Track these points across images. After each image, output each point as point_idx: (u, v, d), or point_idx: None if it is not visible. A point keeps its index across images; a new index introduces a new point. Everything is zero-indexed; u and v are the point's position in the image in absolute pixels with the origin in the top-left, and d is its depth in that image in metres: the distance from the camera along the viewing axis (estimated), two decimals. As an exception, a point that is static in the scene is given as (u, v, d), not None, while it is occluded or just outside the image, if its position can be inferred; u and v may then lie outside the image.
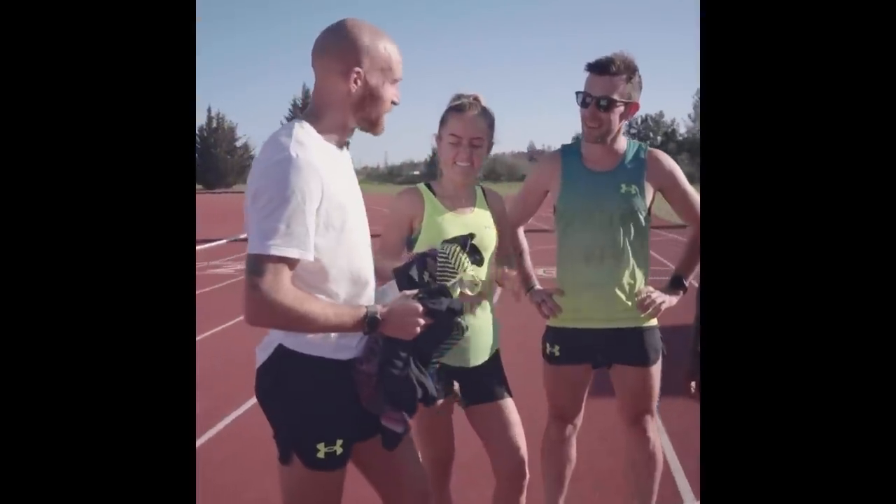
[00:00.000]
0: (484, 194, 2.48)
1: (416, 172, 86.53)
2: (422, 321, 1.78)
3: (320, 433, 1.76)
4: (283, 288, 1.62)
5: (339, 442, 1.77)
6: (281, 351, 1.76)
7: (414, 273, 1.89)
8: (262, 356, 1.81)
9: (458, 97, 2.35)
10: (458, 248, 1.95)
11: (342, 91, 1.76)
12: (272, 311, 1.62)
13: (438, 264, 1.92)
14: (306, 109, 1.83)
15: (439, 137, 2.37)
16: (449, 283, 1.90)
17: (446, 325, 1.85)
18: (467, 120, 2.29)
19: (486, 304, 2.38)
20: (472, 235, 1.97)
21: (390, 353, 1.79)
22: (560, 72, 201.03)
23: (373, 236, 1.95)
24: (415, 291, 1.85)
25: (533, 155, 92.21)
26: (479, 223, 2.37)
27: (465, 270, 1.95)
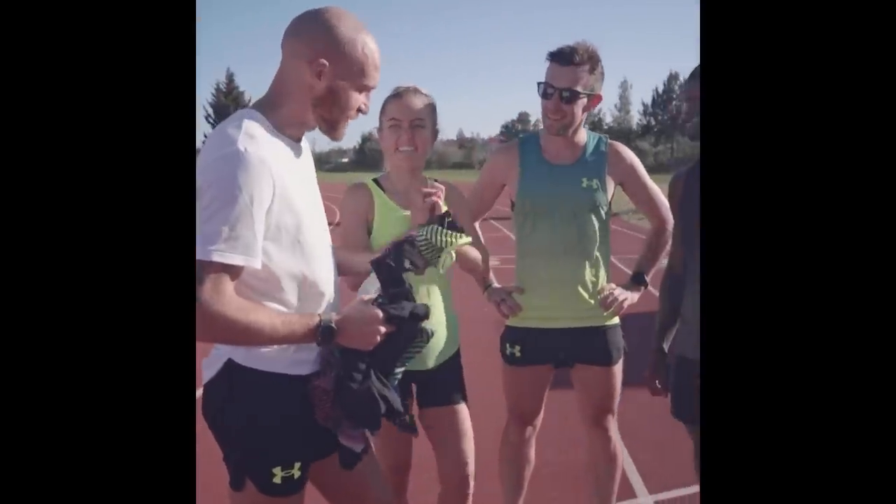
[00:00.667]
0: None
1: (345, 160, 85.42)
2: (382, 329, 1.62)
3: (276, 456, 1.59)
4: (225, 298, 1.45)
5: (297, 465, 1.61)
6: (230, 366, 1.59)
7: (392, 261, 1.73)
8: (209, 371, 1.63)
9: (396, 88, 2.23)
10: (438, 228, 1.80)
11: (304, 82, 1.58)
12: (213, 325, 1.44)
13: (421, 247, 1.77)
14: (263, 96, 1.64)
15: (380, 129, 2.24)
16: (439, 259, 1.77)
17: (409, 331, 1.70)
18: (405, 102, 2.18)
19: (446, 303, 2.26)
20: (447, 213, 1.83)
21: (348, 365, 1.63)
22: (488, 56, 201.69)
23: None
24: (373, 296, 1.69)
25: (462, 143, 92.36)
26: None
27: (452, 244, 1.80)
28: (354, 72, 1.59)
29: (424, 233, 1.79)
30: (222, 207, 1.43)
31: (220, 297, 1.44)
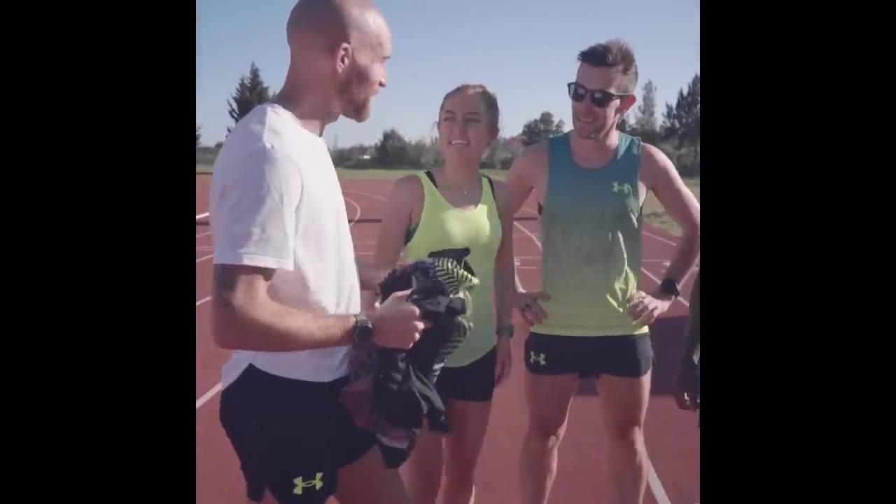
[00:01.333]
0: (492, 187, 2.29)
1: (367, 157, 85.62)
2: (420, 325, 1.56)
3: (297, 466, 1.54)
4: (259, 303, 1.38)
5: (319, 475, 1.56)
6: (252, 372, 1.54)
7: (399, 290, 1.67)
8: (229, 377, 1.57)
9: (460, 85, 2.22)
10: (454, 263, 1.74)
11: (325, 70, 1.54)
12: (246, 331, 1.38)
13: (440, 276, 1.70)
14: (279, 92, 1.59)
15: (438, 123, 2.22)
16: (457, 291, 1.71)
17: (447, 327, 1.64)
18: (463, 96, 2.17)
19: (487, 303, 2.24)
20: (466, 251, 1.77)
21: (387, 366, 1.57)
22: (511, 56, 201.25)
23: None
24: (407, 293, 1.63)
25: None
26: (483, 220, 2.20)
27: (466, 280, 1.74)
28: (374, 46, 1.57)
29: (442, 264, 1.73)
30: (251, 207, 1.38)
31: (254, 301, 1.38)
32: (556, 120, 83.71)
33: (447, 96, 2.20)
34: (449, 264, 1.73)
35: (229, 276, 1.37)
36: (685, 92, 70.23)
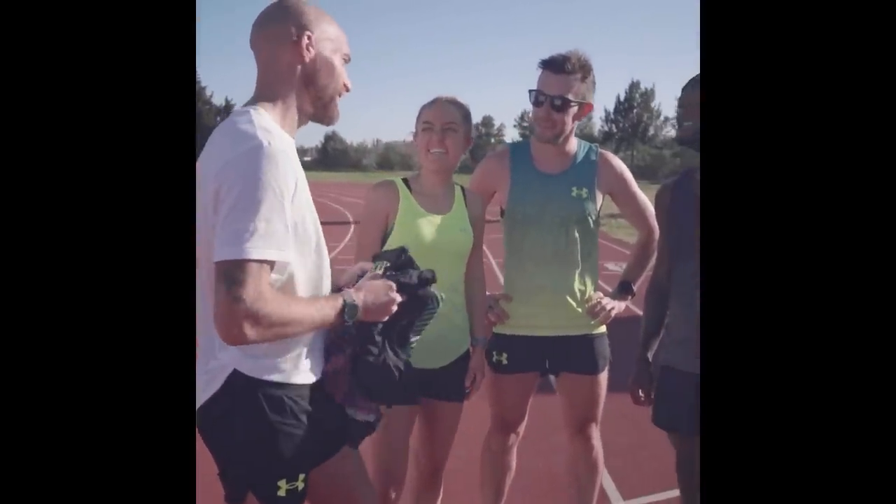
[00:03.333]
0: (464, 194, 2.36)
1: (308, 158, 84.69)
2: (396, 297, 1.64)
3: (282, 469, 1.55)
4: (268, 295, 1.41)
5: (301, 476, 1.58)
6: (236, 377, 1.53)
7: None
8: (210, 385, 1.55)
9: (435, 97, 2.31)
10: (386, 265, 1.77)
11: (293, 61, 1.59)
12: (258, 324, 1.39)
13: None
14: (253, 96, 1.62)
15: (415, 133, 2.30)
16: None
17: (421, 297, 1.73)
18: (440, 107, 2.26)
19: (460, 307, 2.31)
20: (404, 249, 1.82)
21: (364, 339, 1.64)
22: (452, 55, 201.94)
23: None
24: (379, 273, 1.71)
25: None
26: (455, 226, 2.28)
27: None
28: (335, 39, 1.65)
29: (378, 268, 1.77)
30: (254, 203, 1.40)
31: (263, 294, 1.40)
32: (496, 123, 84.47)
33: (424, 108, 2.30)
34: (383, 269, 1.77)
35: (238, 271, 1.38)
36: (622, 97, 71.86)
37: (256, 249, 1.39)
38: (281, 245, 1.43)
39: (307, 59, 1.60)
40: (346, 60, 1.69)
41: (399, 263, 1.76)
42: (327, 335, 1.68)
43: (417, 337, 1.80)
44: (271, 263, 1.43)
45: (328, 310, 1.54)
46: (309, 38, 1.59)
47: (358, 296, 1.59)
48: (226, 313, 1.38)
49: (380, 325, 1.67)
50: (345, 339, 1.66)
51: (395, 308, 1.65)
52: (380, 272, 1.72)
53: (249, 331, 1.39)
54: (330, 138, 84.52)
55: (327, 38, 1.63)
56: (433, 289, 1.75)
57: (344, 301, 1.56)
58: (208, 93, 61.00)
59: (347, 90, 1.70)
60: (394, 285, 1.65)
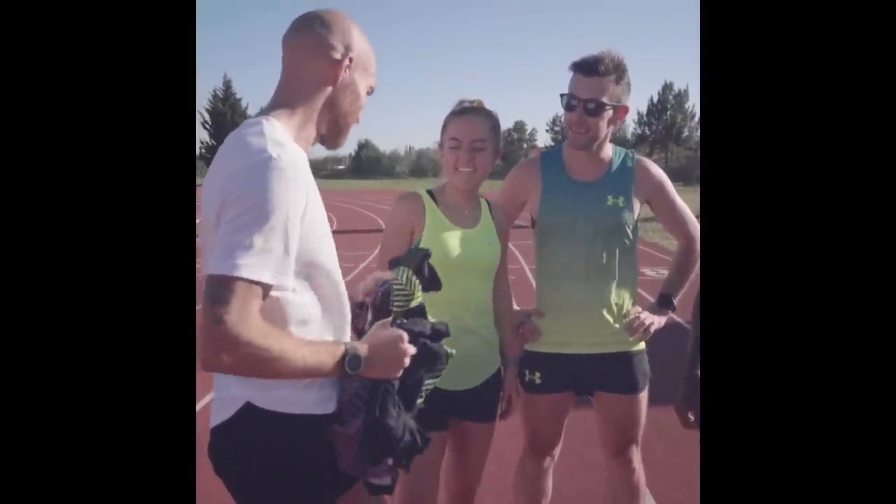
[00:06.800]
0: (490, 207, 2.26)
1: (341, 167, 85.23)
2: (409, 349, 1.47)
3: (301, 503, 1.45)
4: (252, 321, 1.26)
5: None
6: (250, 410, 1.41)
7: (379, 307, 1.60)
8: (221, 413, 1.45)
9: (461, 102, 2.18)
10: (410, 273, 1.63)
11: (327, 77, 1.50)
12: (237, 353, 1.25)
13: (394, 292, 1.60)
14: (271, 102, 1.52)
15: (441, 144, 2.19)
16: (409, 305, 1.60)
17: (433, 352, 1.54)
18: (467, 122, 2.14)
19: (489, 324, 2.21)
20: (427, 253, 1.66)
21: (384, 400, 1.46)
22: (483, 62, 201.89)
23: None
24: (390, 318, 1.54)
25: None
26: (483, 239, 2.18)
27: (417, 297, 1.63)
28: (367, 68, 1.57)
29: (399, 275, 1.62)
30: (255, 219, 1.28)
31: (247, 319, 1.26)
32: (528, 128, 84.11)
33: (450, 117, 2.18)
34: (405, 275, 1.62)
35: (222, 288, 1.26)
36: (655, 99, 70.97)
37: (247, 268, 1.26)
38: (279, 269, 1.31)
39: (340, 81, 1.51)
40: (370, 92, 1.61)
41: (418, 267, 1.61)
42: (341, 394, 1.51)
43: (422, 400, 1.61)
44: (265, 287, 1.30)
45: (325, 356, 1.38)
46: (350, 59, 1.51)
47: (363, 347, 1.44)
48: (202, 334, 1.25)
49: (396, 384, 1.49)
50: (356, 403, 1.48)
51: (407, 362, 1.48)
52: (389, 319, 1.54)
53: (226, 357, 1.26)
54: (363, 146, 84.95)
55: (364, 65, 1.55)
56: (444, 344, 1.58)
57: (346, 350, 1.41)
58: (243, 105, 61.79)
59: (357, 122, 1.61)
60: (405, 335, 1.48)
